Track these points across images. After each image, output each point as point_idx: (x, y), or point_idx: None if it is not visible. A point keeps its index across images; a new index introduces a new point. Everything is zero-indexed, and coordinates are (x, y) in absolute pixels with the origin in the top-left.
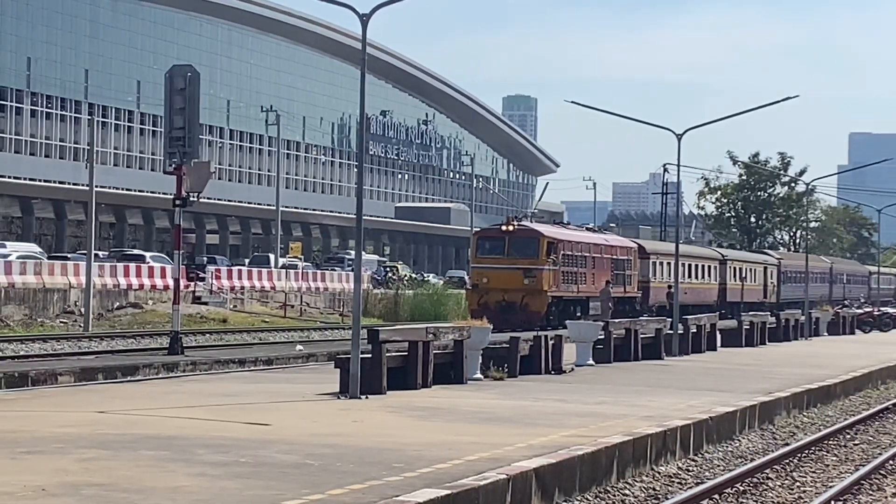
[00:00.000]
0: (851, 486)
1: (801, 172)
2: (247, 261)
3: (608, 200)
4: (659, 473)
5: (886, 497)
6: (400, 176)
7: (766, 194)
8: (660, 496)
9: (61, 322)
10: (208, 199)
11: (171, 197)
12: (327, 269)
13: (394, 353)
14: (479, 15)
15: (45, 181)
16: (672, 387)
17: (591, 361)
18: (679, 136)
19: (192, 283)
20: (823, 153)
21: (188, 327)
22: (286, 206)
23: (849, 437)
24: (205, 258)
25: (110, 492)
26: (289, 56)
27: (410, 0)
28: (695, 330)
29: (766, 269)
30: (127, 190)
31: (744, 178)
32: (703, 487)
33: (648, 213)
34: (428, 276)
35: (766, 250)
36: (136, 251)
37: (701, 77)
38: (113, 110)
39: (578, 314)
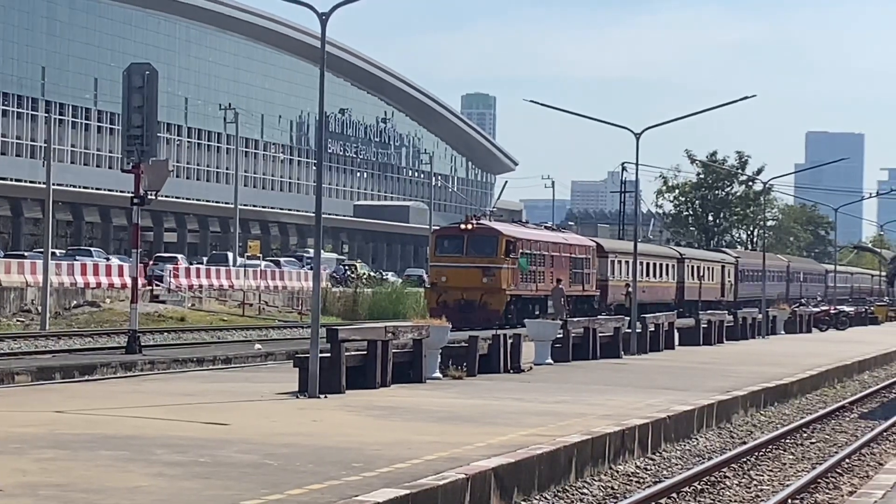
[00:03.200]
0: (808, 485)
1: (759, 171)
2: (205, 259)
3: (567, 199)
4: (617, 472)
5: (843, 495)
6: (359, 174)
7: (724, 193)
8: (618, 495)
9: (18, 321)
10: (166, 197)
11: (129, 195)
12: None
13: (353, 353)
14: (438, 13)
15: (1, 179)
16: (630, 385)
17: (549, 360)
18: (637, 136)
19: (150, 281)
20: (780, 152)
21: (146, 326)
22: (244, 205)
23: (805, 435)
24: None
25: (68, 492)
26: (247, 54)
27: None
28: (653, 329)
29: (723, 267)
30: (84, 188)
31: (702, 176)
32: (661, 486)
33: (607, 211)
34: (387, 275)
35: (723, 249)
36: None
37: (659, 76)
38: (70, 108)
39: (537, 313)
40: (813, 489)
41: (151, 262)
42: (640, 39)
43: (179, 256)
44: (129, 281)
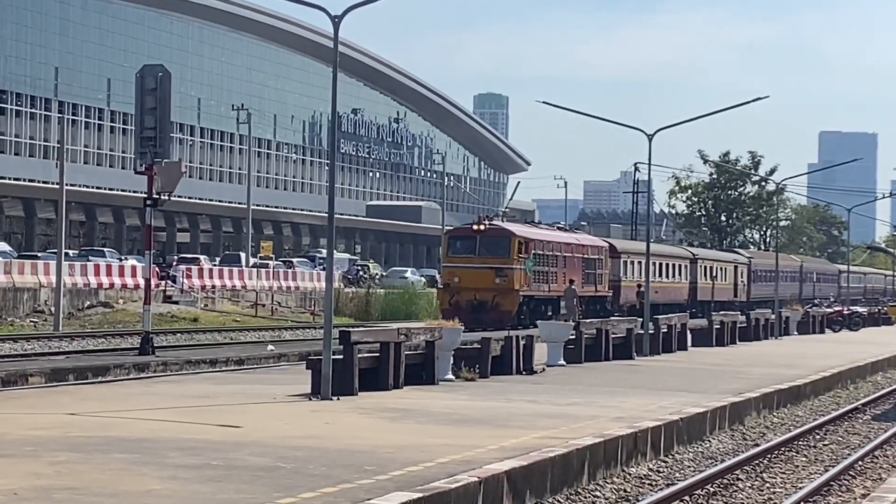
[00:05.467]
0: (821, 488)
1: (772, 171)
2: (217, 259)
3: (579, 199)
4: (630, 475)
5: (856, 498)
6: (371, 174)
7: (737, 193)
8: (631, 498)
9: (31, 322)
10: (179, 197)
11: (142, 195)
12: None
13: (365, 355)
14: (451, 13)
15: (14, 179)
16: (643, 387)
17: (562, 361)
18: (650, 137)
19: (164, 282)
20: (794, 152)
21: (159, 327)
22: (257, 205)
23: (818, 437)
24: (175, 257)
25: (82, 496)
26: (260, 54)
27: (383, 0)
28: (665, 330)
29: (736, 268)
30: (97, 188)
31: (714, 177)
32: (674, 489)
33: (619, 211)
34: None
35: (736, 249)
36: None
37: (672, 76)
38: (83, 108)
39: (550, 313)
40: (825, 492)
41: (175, 263)
42: (653, 40)
43: (202, 258)
44: (142, 282)
